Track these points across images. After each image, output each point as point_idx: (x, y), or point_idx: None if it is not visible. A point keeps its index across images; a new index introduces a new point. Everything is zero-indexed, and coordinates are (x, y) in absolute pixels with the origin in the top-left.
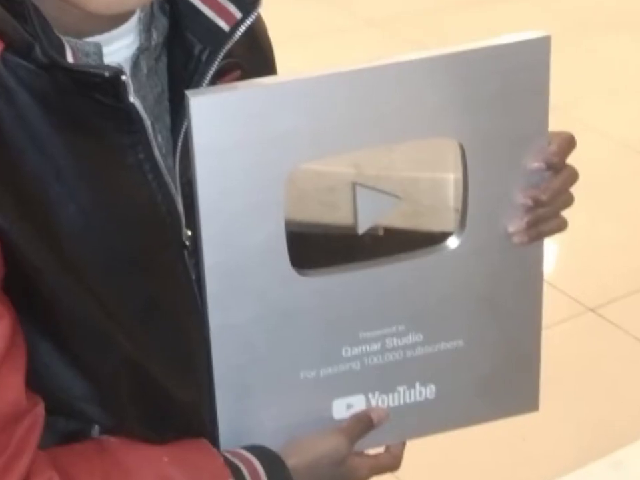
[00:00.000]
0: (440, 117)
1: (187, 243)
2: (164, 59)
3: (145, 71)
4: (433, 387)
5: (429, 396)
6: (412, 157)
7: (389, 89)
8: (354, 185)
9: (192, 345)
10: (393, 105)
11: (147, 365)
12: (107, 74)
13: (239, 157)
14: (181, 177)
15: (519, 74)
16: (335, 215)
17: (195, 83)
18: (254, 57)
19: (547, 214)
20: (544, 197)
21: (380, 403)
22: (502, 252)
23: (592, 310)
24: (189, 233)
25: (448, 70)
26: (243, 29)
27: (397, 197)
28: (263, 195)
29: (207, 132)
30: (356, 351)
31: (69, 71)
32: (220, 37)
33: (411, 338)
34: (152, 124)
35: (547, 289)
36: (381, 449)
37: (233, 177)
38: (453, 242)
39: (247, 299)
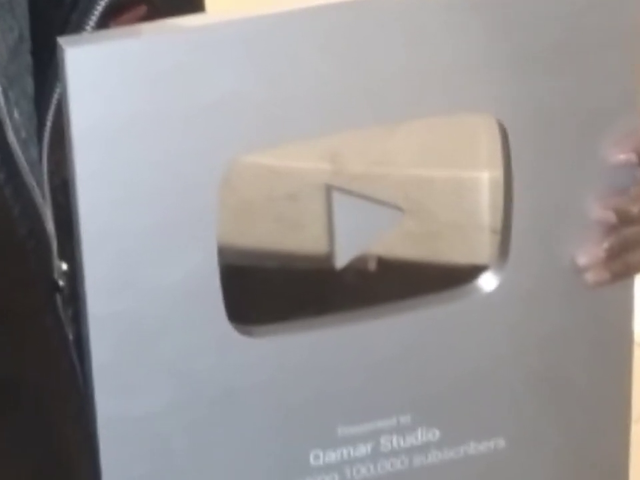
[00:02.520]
0: (469, 82)
1: (61, 282)
2: None
3: None
4: None
5: None
6: (422, 145)
7: (388, 39)
8: (329, 190)
9: (69, 450)
10: (395, 64)
11: None
12: None
13: (144, 145)
14: (52, 176)
15: (590, 18)
16: (299, 237)
17: (73, 26)
18: None
19: (639, 236)
20: (635, 209)
21: None
22: (567, 298)
23: None
24: (64, 266)
25: (482, 12)
26: None
27: (397, 208)
28: (184, 205)
29: (91, 104)
30: (332, 456)
31: None
32: None
33: (421, 436)
34: (4, 91)
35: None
36: None
37: (134, 176)
38: (488, 281)
39: (158, 375)
